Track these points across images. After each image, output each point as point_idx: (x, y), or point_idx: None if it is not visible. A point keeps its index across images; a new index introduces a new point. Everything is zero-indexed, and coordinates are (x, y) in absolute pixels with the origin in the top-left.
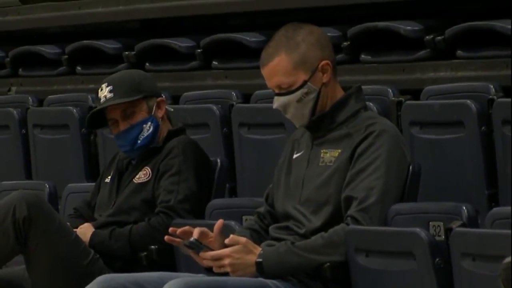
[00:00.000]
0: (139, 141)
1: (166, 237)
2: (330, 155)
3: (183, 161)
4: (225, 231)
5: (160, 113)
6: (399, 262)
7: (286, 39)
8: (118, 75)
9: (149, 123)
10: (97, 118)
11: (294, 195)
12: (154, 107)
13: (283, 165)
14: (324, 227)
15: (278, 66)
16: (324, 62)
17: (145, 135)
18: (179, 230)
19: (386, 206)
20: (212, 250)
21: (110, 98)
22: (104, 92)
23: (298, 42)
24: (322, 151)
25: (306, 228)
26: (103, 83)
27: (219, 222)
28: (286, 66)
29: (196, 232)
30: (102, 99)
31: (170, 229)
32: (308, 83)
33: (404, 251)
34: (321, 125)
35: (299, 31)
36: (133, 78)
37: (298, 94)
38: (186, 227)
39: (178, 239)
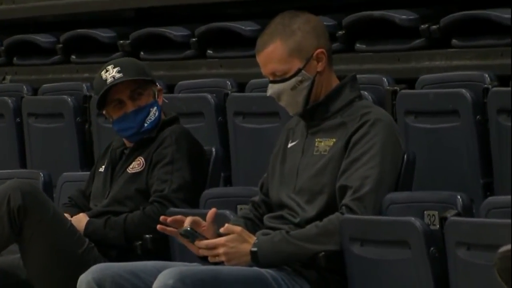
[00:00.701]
0: (146, 124)
1: (158, 226)
2: (324, 144)
3: (176, 151)
4: (220, 220)
5: (159, 101)
6: (394, 251)
7: (282, 27)
8: (122, 59)
9: (155, 107)
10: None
11: (288, 184)
12: (156, 94)
13: (278, 154)
14: (319, 216)
15: (273, 53)
16: (319, 50)
17: (152, 119)
18: (169, 219)
19: (381, 195)
20: (207, 239)
21: (121, 77)
22: (112, 72)
23: (294, 30)
24: (316, 140)
25: (301, 217)
26: (108, 65)
27: (212, 211)
28: (281, 53)
29: (188, 220)
30: (110, 79)
31: (161, 217)
32: (303, 71)
33: (399, 240)
34: (315, 114)
35: (295, 19)
36: (138, 62)
37: (292, 81)
38: (178, 216)
39: (170, 228)
